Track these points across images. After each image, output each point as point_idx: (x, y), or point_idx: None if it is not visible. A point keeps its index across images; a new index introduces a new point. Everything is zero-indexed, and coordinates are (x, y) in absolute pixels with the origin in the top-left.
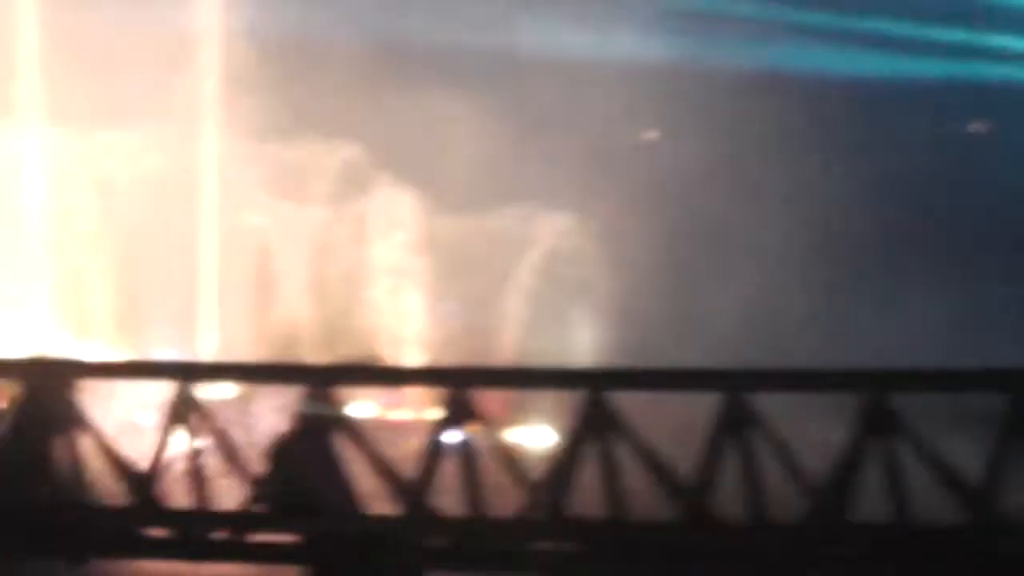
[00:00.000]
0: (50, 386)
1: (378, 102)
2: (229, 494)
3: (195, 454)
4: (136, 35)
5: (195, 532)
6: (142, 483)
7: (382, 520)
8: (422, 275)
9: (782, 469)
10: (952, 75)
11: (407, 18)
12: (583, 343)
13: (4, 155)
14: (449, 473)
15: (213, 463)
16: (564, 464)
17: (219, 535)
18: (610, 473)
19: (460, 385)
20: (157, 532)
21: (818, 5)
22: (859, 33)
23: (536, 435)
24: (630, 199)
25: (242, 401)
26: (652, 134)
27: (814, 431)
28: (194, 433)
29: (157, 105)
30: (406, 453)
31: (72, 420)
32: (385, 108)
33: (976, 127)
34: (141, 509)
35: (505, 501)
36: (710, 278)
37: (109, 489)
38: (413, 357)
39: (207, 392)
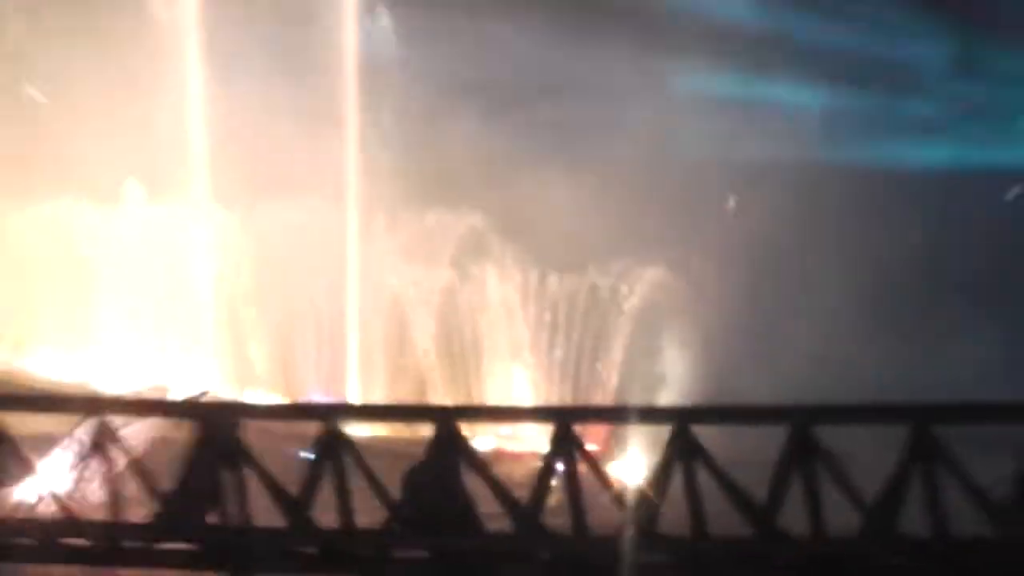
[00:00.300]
0: (220, 425)
1: (496, 173)
2: (371, 514)
3: (342, 482)
4: (288, 117)
5: (340, 547)
6: (297, 507)
7: (499, 536)
8: (534, 326)
9: (841, 492)
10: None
11: (514, 100)
12: (674, 379)
13: (178, 229)
14: (557, 497)
15: (357, 488)
16: (654, 488)
17: (361, 550)
18: (692, 495)
19: (565, 421)
20: (308, 549)
21: (862, 95)
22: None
23: (631, 464)
24: (714, 257)
25: (383, 437)
26: (731, 202)
27: (871, 457)
28: (340, 464)
29: (308, 180)
30: (520, 480)
31: (238, 454)
32: (501, 178)
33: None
34: (296, 529)
35: (604, 519)
36: (783, 326)
37: (268, 513)
38: (525, 396)
39: (353, 430)
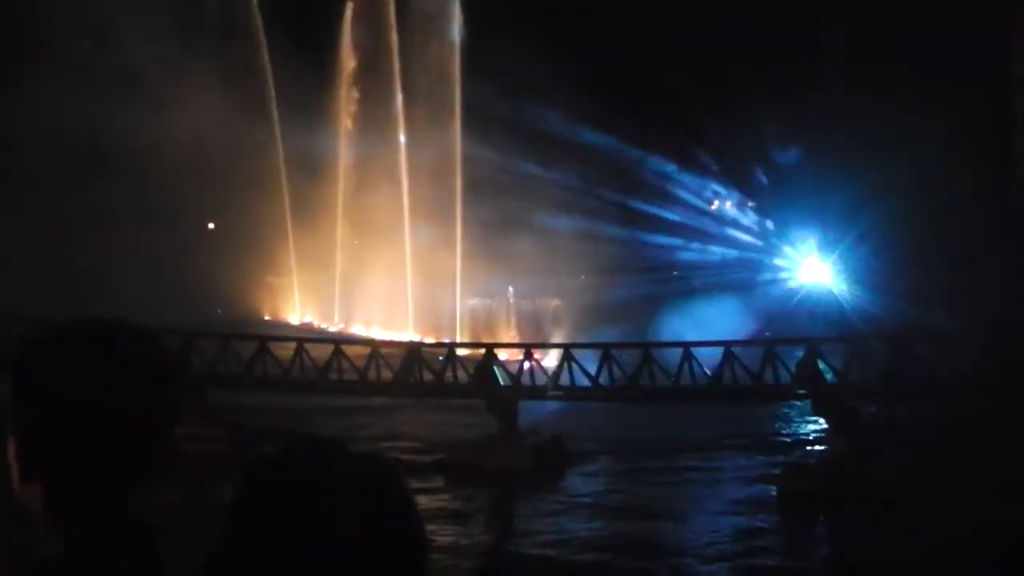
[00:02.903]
0: (413, 350)
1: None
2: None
3: (454, 367)
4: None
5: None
6: (442, 376)
7: (505, 386)
8: (515, 317)
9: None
10: None
11: None
12: (563, 334)
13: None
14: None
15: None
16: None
17: (455, 390)
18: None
19: (528, 348)
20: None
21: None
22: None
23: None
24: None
25: (470, 353)
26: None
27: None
28: (455, 361)
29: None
30: (513, 368)
31: (421, 357)
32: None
33: None
34: (427, 385)
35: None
36: (597, 316)
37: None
38: (512, 339)
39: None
